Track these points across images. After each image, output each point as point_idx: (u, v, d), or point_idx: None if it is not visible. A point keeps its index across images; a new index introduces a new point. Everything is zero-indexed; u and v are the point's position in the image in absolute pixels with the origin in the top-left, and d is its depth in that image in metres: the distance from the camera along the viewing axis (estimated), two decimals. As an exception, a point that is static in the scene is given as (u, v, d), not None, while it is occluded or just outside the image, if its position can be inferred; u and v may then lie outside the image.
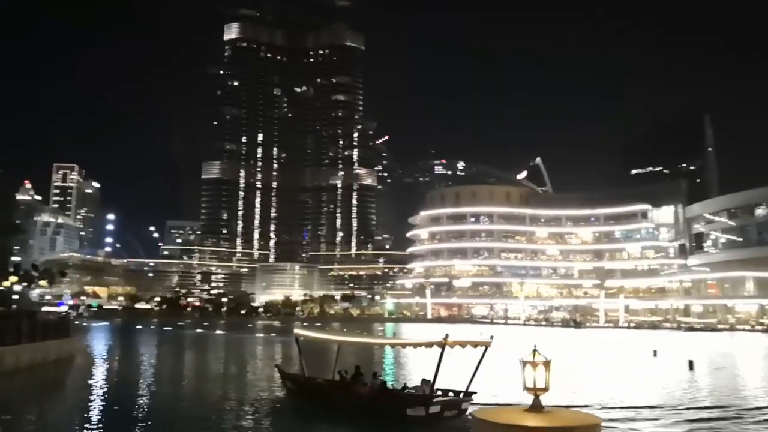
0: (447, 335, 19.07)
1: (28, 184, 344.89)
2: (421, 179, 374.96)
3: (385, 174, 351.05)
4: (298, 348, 25.28)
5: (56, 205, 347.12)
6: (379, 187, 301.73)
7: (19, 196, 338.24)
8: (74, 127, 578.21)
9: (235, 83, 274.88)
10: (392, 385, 22.67)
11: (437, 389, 19.86)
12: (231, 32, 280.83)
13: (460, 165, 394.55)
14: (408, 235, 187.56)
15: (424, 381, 20.19)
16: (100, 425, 19.15)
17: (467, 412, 19.31)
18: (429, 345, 19.64)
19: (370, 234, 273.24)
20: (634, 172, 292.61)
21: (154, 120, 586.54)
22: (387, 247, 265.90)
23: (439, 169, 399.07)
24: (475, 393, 20.39)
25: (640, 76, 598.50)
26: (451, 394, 20.49)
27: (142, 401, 23.88)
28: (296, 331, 26.02)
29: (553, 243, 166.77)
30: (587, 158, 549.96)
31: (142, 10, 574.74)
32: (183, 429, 19.33)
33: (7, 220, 33.30)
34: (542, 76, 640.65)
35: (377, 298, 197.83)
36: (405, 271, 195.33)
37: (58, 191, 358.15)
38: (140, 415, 20.68)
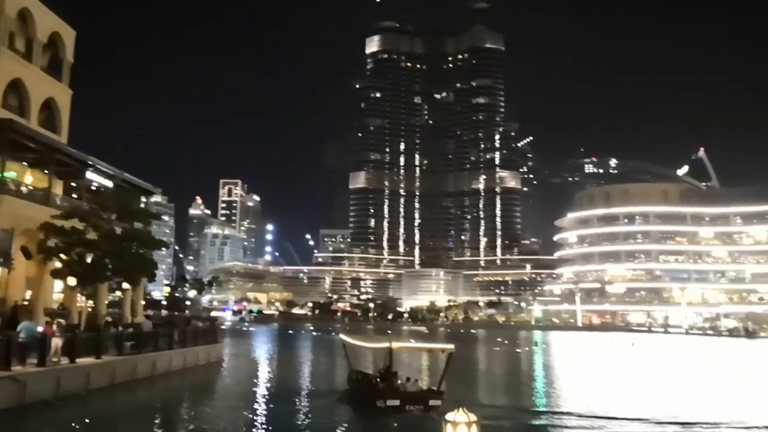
0: (391, 341, 23.85)
1: (199, 200, 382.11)
2: (570, 179, 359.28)
3: (531, 176, 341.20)
4: (344, 351, 28.81)
5: (223, 218, 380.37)
6: (524, 189, 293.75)
7: (192, 211, 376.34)
8: (237, 144, 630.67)
9: (378, 95, 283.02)
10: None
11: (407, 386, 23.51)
12: (372, 45, 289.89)
13: (613, 163, 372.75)
14: (555, 238, 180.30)
15: (407, 379, 24.23)
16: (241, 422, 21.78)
17: (437, 409, 21.92)
18: (378, 349, 25.47)
19: (515, 238, 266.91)
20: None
21: (308, 134, 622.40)
22: (534, 251, 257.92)
23: (589, 168, 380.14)
24: (443, 392, 23.34)
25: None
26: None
27: (276, 404, 25.81)
28: (341, 336, 30.23)
29: (719, 244, 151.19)
30: (761, 148, 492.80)
31: (290, 32, 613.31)
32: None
33: (149, 235, 37.76)
34: (703, 55, 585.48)
35: (524, 304, 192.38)
36: (553, 276, 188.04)
37: (224, 205, 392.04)
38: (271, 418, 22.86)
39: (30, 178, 40.41)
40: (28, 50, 42.82)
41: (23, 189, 36.13)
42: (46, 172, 40.05)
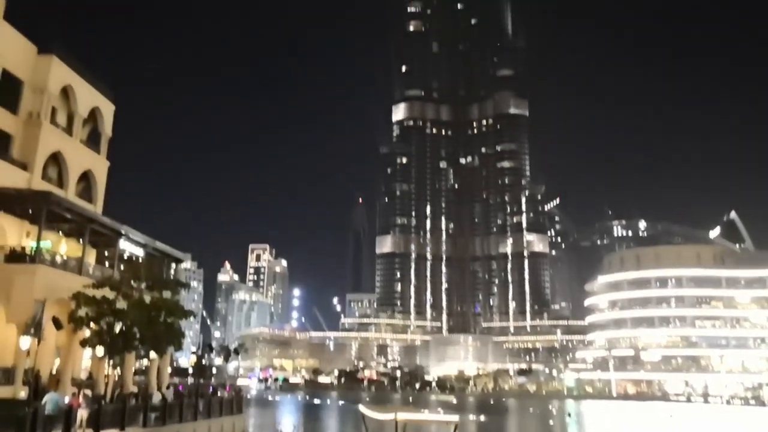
0: (397, 412, 23.11)
1: (228, 265, 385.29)
2: (599, 242, 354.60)
3: (559, 239, 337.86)
4: (364, 423, 27.84)
5: (251, 283, 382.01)
6: (553, 252, 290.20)
7: (220, 277, 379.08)
8: (266, 209, 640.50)
9: (404, 160, 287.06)
10: None
11: None
12: (399, 113, 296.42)
13: (642, 225, 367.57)
14: (586, 303, 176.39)
15: None
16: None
17: None
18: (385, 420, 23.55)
19: (545, 303, 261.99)
20: None
21: (336, 199, 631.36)
22: (565, 316, 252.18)
23: (618, 231, 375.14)
24: None
25: None
26: None
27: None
28: (361, 408, 29.75)
29: (757, 308, 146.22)
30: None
31: (320, 100, 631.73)
32: None
33: (177, 305, 38.11)
34: (732, 116, 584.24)
35: (555, 372, 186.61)
36: (585, 342, 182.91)
37: (252, 270, 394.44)
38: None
39: (65, 248, 41.44)
40: (69, 124, 44.83)
41: (57, 259, 37.01)
42: (80, 241, 41.09)
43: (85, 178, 46.64)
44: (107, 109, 48.60)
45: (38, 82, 40.98)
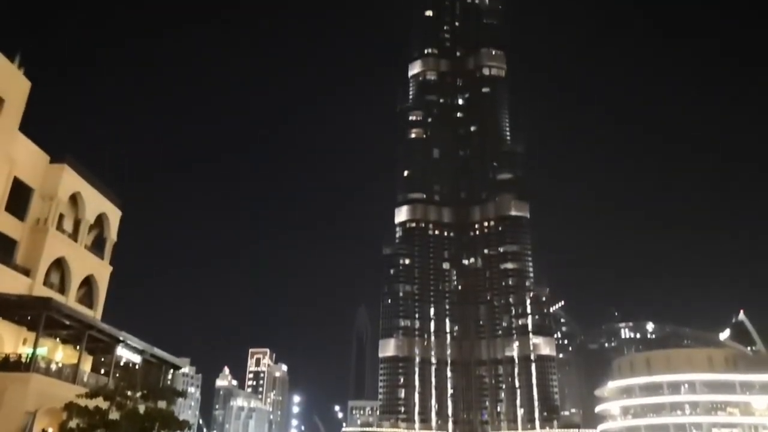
0: None
1: (226, 371, 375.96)
2: (606, 345, 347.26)
3: (566, 341, 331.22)
4: None
5: (250, 389, 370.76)
6: (560, 356, 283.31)
7: (219, 382, 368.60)
8: (266, 312, 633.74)
9: (407, 261, 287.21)
10: None
11: None
12: (401, 215, 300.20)
13: (650, 327, 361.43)
14: (597, 410, 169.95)
15: None
16: None
17: None
18: None
19: (553, 409, 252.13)
20: None
21: (337, 302, 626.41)
22: (575, 423, 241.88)
23: (625, 333, 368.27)
24: None
25: None
26: None
27: None
28: None
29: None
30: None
31: (320, 203, 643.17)
32: None
33: (172, 416, 36.93)
34: (739, 215, 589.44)
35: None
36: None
37: (251, 375, 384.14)
38: None
39: (61, 354, 40.80)
40: (75, 230, 45.51)
41: (53, 366, 36.32)
42: (77, 348, 40.46)
43: (87, 282, 46.71)
44: (114, 215, 49.50)
45: (48, 189, 42.10)
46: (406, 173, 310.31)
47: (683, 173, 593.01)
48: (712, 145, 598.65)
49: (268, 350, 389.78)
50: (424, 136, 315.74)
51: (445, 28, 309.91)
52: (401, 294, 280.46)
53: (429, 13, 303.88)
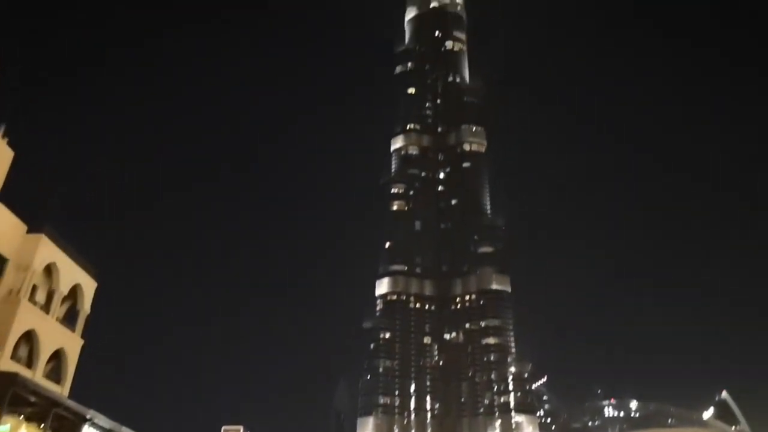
0: None
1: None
2: (590, 423, 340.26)
3: (548, 420, 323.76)
4: None
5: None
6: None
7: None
8: (241, 388, 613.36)
9: (387, 335, 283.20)
10: None
11: None
12: (382, 287, 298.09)
13: (633, 405, 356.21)
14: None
15: None
16: None
17: None
18: None
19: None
20: None
21: (315, 377, 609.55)
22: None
23: (609, 411, 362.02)
24: None
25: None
26: None
27: None
28: None
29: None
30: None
31: (303, 277, 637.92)
32: None
33: None
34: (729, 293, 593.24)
35: None
36: None
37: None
38: None
39: (23, 433, 38.90)
40: (48, 301, 44.52)
41: (13, 447, 34.52)
42: (41, 426, 38.69)
43: (56, 356, 45.29)
44: (89, 287, 48.67)
45: (23, 260, 41.42)
46: (387, 245, 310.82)
47: (665, 249, 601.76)
48: (706, 221, 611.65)
49: (241, 428, 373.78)
50: (406, 208, 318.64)
51: (427, 105, 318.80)
52: (381, 369, 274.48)
53: (411, 90, 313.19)
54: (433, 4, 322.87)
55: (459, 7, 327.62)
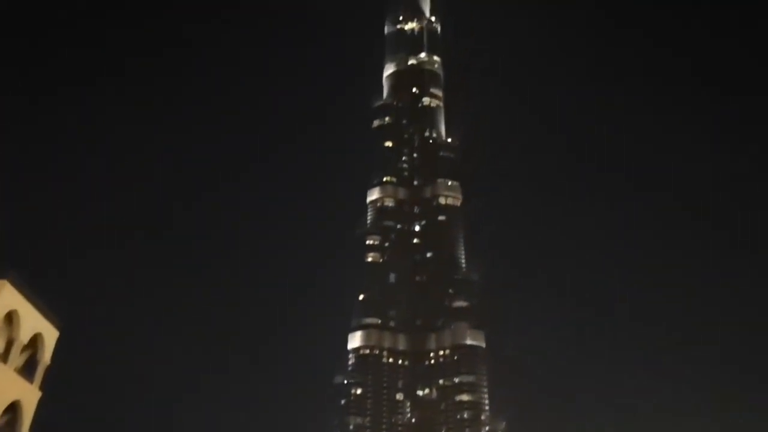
0: None
1: None
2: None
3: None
4: None
5: None
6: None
7: None
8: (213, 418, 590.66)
9: (359, 391, 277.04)
10: None
11: None
12: (355, 341, 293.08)
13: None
14: None
15: None
16: None
17: None
18: None
19: None
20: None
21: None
22: None
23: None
24: None
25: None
26: None
27: None
28: None
29: None
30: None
31: (272, 331, 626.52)
32: None
33: None
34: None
35: None
36: None
37: None
38: None
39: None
40: (7, 351, 42.43)
41: None
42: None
43: (12, 409, 42.88)
44: (50, 336, 46.67)
45: (-17, 306, 39.63)
46: (361, 297, 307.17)
47: (649, 304, 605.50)
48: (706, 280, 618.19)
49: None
50: (381, 260, 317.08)
51: (403, 158, 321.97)
52: (352, 427, 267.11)
53: (389, 143, 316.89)
54: (411, 62, 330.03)
55: (436, 65, 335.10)
